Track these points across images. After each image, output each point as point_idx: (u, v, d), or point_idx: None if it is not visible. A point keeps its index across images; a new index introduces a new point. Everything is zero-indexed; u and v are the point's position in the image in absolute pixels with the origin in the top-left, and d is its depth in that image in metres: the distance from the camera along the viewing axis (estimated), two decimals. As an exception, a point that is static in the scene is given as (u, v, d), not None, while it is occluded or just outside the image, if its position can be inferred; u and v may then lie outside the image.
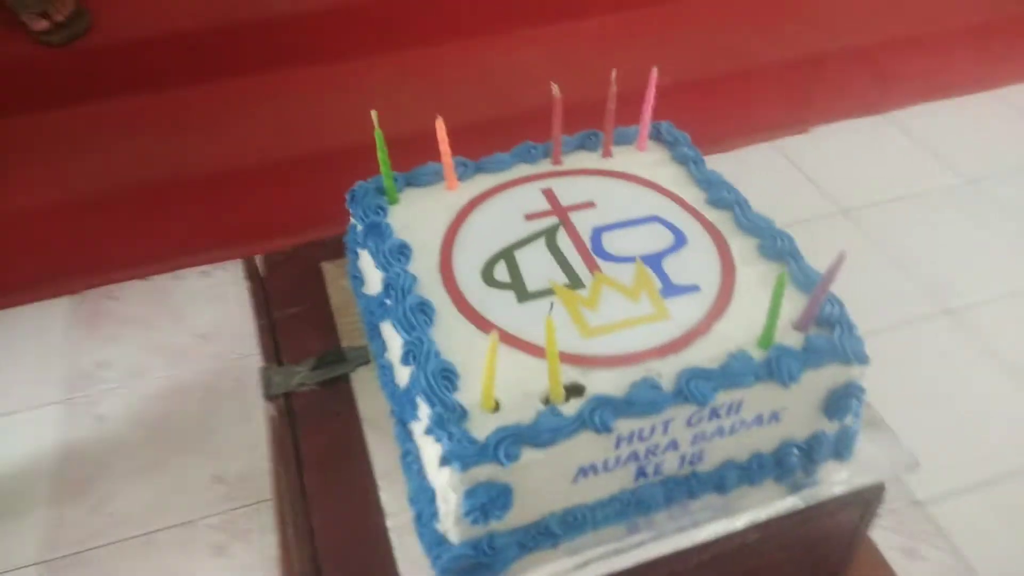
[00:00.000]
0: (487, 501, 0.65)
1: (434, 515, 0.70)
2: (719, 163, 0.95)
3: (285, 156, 1.81)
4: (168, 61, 1.97)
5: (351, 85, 1.99)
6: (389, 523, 0.75)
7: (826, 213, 1.99)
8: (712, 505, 0.77)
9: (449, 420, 0.66)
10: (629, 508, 0.75)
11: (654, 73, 0.90)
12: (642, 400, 0.68)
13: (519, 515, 0.70)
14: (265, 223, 1.85)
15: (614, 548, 0.73)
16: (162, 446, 1.49)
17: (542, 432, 0.65)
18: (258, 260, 1.05)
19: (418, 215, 0.88)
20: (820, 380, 0.73)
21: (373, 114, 0.83)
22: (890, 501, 0.86)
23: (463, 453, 0.64)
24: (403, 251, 0.82)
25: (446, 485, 0.66)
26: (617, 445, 0.69)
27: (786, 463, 0.78)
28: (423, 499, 0.72)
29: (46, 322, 1.76)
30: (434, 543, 0.71)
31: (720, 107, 2.12)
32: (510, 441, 0.64)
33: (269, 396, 0.88)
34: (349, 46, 2.08)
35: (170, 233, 1.85)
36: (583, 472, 0.70)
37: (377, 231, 0.84)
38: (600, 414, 0.66)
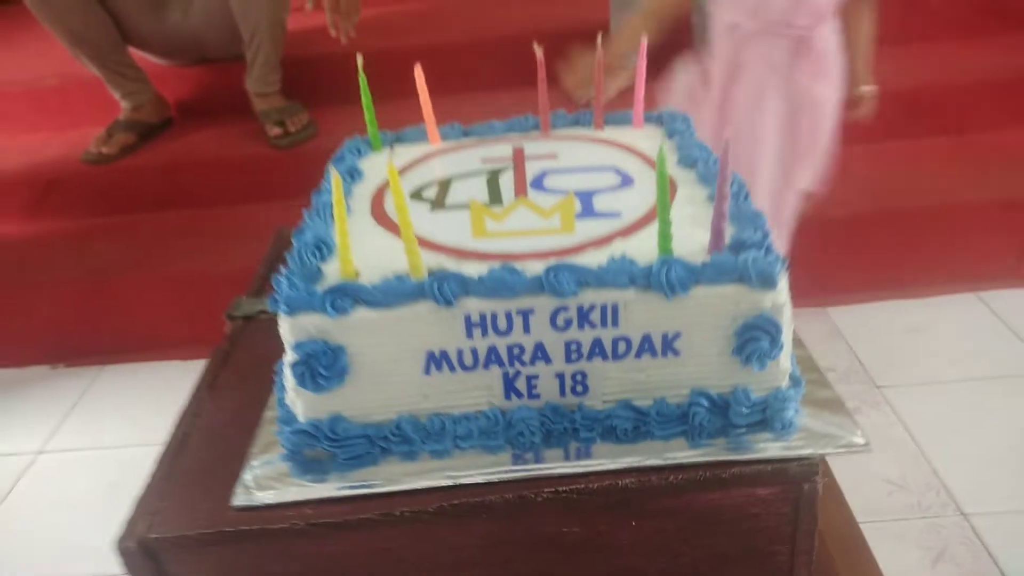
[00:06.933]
0: (314, 355, 0.63)
1: (285, 389, 0.69)
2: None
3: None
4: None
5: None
6: (267, 414, 0.74)
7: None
8: (605, 452, 0.67)
9: (297, 274, 0.66)
10: (497, 431, 0.67)
11: (644, 41, 0.89)
12: (494, 278, 0.63)
13: (367, 402, 0.66)
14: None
15: (477, 472, 0.66)
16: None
17: (377, 291, 0.63)
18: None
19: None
20: (722, 305, 0.64)
21: (359, 57, 0.89)
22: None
23: (293, 297, 0.63)
24: (352, 173, 0.85)
25: (283, 337, 0.65)
26: (468, 332, 0.64)
27: (695, 417, 0.67)
28: (281, 377, 0.70)
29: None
30: (284, 421, 0.69)
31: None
32: (341, 293, 0.63)
33: (229, 316, 0.93)
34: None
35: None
36: (434, 361, 0.65)
37: (341, 161, 0.89)
38: (444, 284, 0.62)
